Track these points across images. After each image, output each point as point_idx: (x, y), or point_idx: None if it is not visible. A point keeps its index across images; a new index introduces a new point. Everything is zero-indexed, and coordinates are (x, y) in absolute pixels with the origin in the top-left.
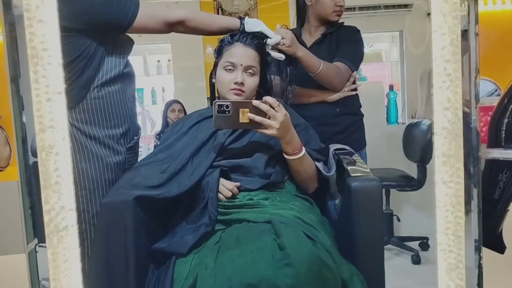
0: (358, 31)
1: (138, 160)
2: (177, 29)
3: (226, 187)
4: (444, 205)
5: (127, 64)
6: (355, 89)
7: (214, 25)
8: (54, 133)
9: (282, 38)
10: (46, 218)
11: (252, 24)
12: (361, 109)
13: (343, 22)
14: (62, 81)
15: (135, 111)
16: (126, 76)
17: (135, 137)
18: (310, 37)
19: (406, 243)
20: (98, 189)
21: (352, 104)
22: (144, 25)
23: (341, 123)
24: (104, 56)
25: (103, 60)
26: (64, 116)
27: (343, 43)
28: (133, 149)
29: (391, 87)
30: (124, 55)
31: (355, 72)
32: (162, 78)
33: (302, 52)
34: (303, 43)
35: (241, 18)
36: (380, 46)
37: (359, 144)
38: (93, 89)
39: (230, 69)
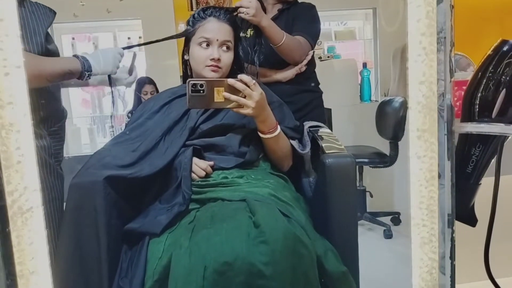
0: (314, 6)
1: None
2: None
3: (200, 166)
4: (418, 180)
5: (48, 41)
6: (309, 64)
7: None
8: (14, 109)
9: (246, 7)
10: (9, 200)
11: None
12: (333, 87)
13: None
14: (21, 54)
15: (57, 95)
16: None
17: (60, 121)
18: (267, 14)
19: (378, 218)
20: None
21: (308, 81)
22: None
23: (298, 101)
24: None
25: None
26: (25, 91)
27: (300, 18)
28: (58, 133)
29: (364, 65)
30: (39, 27)
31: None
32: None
33: (266, 22)
34: None
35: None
36: (354, 24)
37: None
38: None
39: (205, 45)
